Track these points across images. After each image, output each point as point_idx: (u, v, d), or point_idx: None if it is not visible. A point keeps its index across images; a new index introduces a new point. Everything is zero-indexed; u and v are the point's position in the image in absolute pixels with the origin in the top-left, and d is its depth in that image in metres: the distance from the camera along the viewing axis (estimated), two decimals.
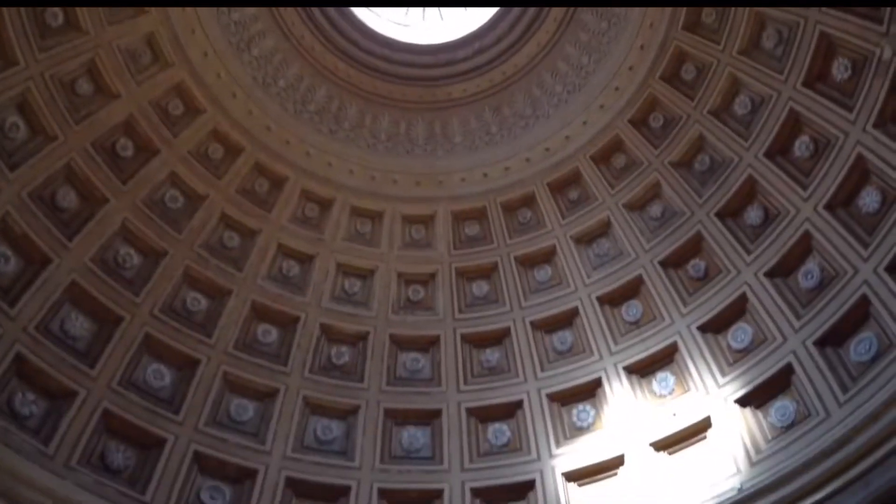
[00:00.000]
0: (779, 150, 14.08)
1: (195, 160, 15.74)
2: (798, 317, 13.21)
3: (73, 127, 13.88)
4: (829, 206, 13.14)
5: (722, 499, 12.64)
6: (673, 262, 15.28)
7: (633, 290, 15.58)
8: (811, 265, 13.34)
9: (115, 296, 13.98)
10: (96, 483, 12.56)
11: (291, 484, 14.11)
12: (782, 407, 12.99)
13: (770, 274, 13.82)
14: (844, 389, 12.25)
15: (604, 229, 16.34)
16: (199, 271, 15.24)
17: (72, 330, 13.33)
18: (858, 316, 12.42)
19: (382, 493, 14.38)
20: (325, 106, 17.20)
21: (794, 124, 13.80)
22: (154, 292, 14.53)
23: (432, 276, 16.88)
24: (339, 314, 16.12)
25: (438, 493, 14.44)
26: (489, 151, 17.44)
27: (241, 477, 13.95)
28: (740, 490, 12.55)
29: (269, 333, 15.53)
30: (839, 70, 13.03)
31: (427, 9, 18.82)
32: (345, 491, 14.27)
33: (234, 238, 15.92)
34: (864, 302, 12.34)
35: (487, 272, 16.88)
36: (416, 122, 17.62)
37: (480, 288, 16.74)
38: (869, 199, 12.65)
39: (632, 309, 15.44)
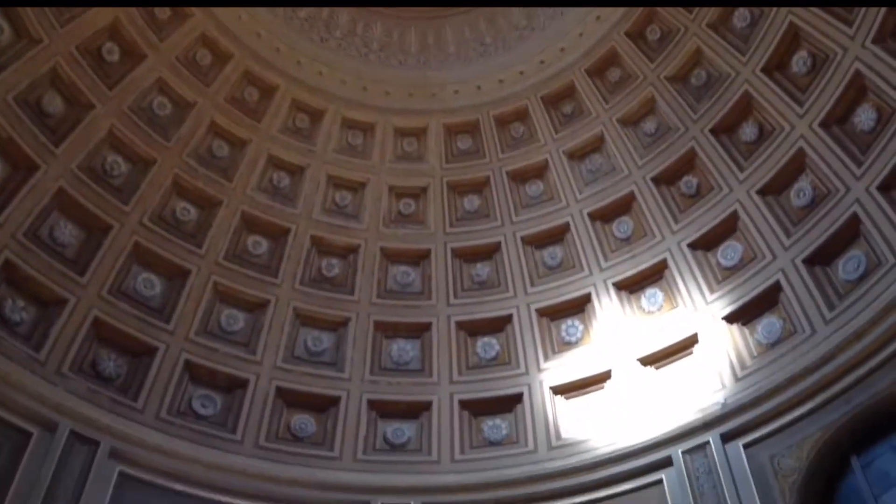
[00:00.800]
0: (776, 66, 13.86)
1: (183, 66, 15.36)
2: (788, 235, 13.23)
3: (57, 30, 13.49)
4: (825, 124, 13.01)
5: (706, 413, 12.85)
6: (665, 179, 15.21)
7: (624, 206, 15.53)
8: (803, 183, 13.29)
9: (103, 204, 13.85)
10: (88, 390, 12.67)
11: (282, 394, 14.30)
12: (769, 324, 13.12)
13: (762, 192, 13.78)
14: (831, 307, 12.35)
15: (597, 144, 16.18)
16: (189, 181, 15.08)
17: (60, 237, 13.25)
18: (848, 234, 12.45)
19: (372, 403, 14.59)
20: (316, 13, 16.70)
21: (792, 39, 13.56)
22: (143, 201, 14.40)
23: (424, 189, 16.77)
24: (329, 226, 16.05)
25: (427, 405, 14.66)
26: (483, 63, 17.08)
27: (232, 386, 14.10)
28: (724, 405, 12.76)
29: (259, 245, 15.49)
30: None
31: None
32: (335, 401, 14.47)
33: (223, 147, 15.70)
34: (854, 220, 12.35)
35: (479, 186, 16.77)
36: (408, 31, 17.21)
37: (472, 202, 16.67)
38: (864, 117, 12.53)
39: (623, 225, 15.43)
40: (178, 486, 12.73)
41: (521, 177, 16.65)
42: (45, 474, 11.54)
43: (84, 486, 11.83)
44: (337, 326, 15.23)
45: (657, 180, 15.24)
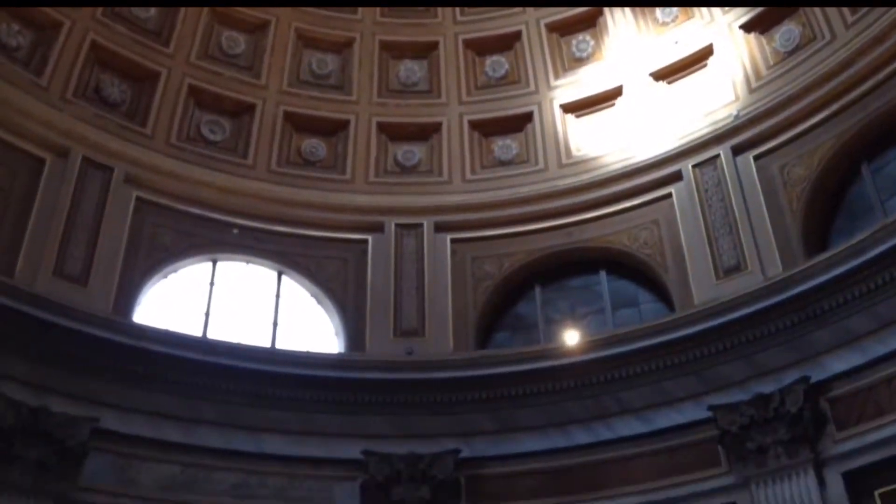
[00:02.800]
0: None
1: None
2: None
3: None
4: None
5: (718, 126, 12.83)
6: None
7: None
8: None
9: None
10: (95, 116, 12.62)
11: (290, 118, 14.18)
12: (787, 31, 12.72)
13: None
14: (853, 10, 11.89)
15: None
16: None
17: None
18: None
19: (381, 126, 14.49)
20: None
21: None
22: None
23: None
24: None
25: (437, 126, 14.55)
26: None
27: (239, 111, 13.96)
28: (737, 117, 12.69)
29: None
30: None
31: None
32: (343, 125, 14.37)
33: None
34: None
35: None
36: None
37: None
38: None
39: None
40: (195, 210, 13.04)
41: None
42: (64, 200, 11.79)
43: (103, 211, 12.10)
44: (341, 48, 14.73)
45: None
